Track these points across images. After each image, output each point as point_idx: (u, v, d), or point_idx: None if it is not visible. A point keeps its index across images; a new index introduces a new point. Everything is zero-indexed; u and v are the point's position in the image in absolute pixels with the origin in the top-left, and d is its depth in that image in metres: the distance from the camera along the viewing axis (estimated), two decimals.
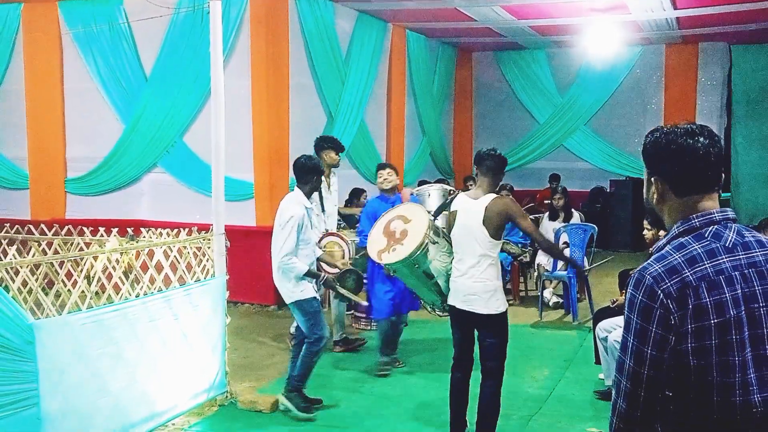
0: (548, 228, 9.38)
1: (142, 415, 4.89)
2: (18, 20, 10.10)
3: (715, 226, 1.97)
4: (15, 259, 4.76)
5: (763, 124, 13.82)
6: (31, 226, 6.59)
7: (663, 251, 1.98)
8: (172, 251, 5.53)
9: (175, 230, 6.00)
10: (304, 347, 5.67)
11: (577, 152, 14.90)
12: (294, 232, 5.44)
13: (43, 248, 6.05)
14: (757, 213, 12.54)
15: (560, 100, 14.89)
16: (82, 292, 4.94)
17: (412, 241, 5.04)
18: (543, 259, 9.06)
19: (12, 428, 3.96)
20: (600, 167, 14.60)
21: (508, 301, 5.55)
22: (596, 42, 12.28)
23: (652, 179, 2.07)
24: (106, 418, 4.57)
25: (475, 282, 4.77)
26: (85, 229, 6.50)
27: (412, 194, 7.00)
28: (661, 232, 5.50)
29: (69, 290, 4.81)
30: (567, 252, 8.71)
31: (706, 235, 1.96)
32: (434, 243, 5.05)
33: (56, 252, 5.89)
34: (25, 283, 5.23)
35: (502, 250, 5.08)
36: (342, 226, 8.26)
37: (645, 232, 6.11)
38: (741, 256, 1.95)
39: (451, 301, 4.95)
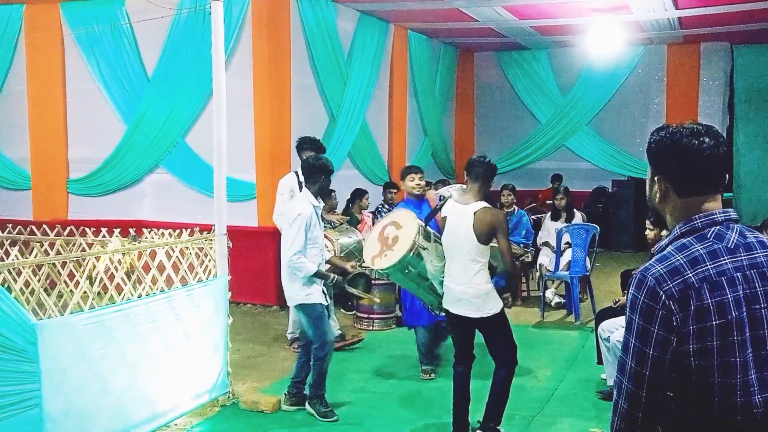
0: (550, 228, 9.38)
1: (144, 415, 4.89)
2: (20, 21, 10.10)
3: (718, 227, 1.97)
4: (17, 259, 4.76)
5: (766, 123, 13.79)
6: (34, 227, 6.60)
7: (665, 252, 1.97)
8: (174, 252, 5.54)
9: (177, 231, 6.01)
10: (312, 354, 5.61)
11: (579, 152, 14.88)
12: (302, 230, 5.38)
13: (46, 249, 6.06)
14: (759, 213, 12.53)
15: (562, 100, 14.87)
16: (85, 292, 4.95)
17: (401, 247, 5.13)
18: (545, 259, 9.07)
19: (14, 429, 3.97)
20: (602, 167, 14.58)
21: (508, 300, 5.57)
22: (598, 42, 12.26)
23: (656, 178, 2.06)
24: (108, 419, 4.58)
25: (467, 287, 4.88)
26: (87, 229, 6.50)
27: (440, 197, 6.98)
28: (664, 232, 5.49)
29: (71, 291, 4.82)
30: (569, 251, 8.74)
31: (708, 236, 1.96)
32: (424, 249, 5.13)
33: (58, 253, 5.90)
34: (27, 284, 5.24)
35: None
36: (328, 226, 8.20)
37: (647, 232, 6.11)
38: (743, 257, 1.94)
39: (445, 305, 5.08)
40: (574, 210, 9.55)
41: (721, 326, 1.88)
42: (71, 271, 5.66)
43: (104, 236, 6.14)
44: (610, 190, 13.99)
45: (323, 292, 5.63)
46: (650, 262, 1.97)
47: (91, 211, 9.80)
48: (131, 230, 6.22)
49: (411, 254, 5.07)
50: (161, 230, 6.15)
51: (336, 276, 5.72)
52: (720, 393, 1.88)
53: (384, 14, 11.12)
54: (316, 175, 5.62)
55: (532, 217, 10.54)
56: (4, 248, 6.52)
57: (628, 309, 1.97)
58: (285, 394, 5.83)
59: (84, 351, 4.38)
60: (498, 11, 10.98)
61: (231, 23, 8.62)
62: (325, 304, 5.67)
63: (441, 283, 5.12)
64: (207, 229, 5.96)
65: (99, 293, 5.11)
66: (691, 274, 1.89)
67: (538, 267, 9.19)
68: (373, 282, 6.44)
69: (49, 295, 4.75)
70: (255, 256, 8.61)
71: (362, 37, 10.85)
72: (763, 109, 13.78)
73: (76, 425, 4.31)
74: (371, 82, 11.00)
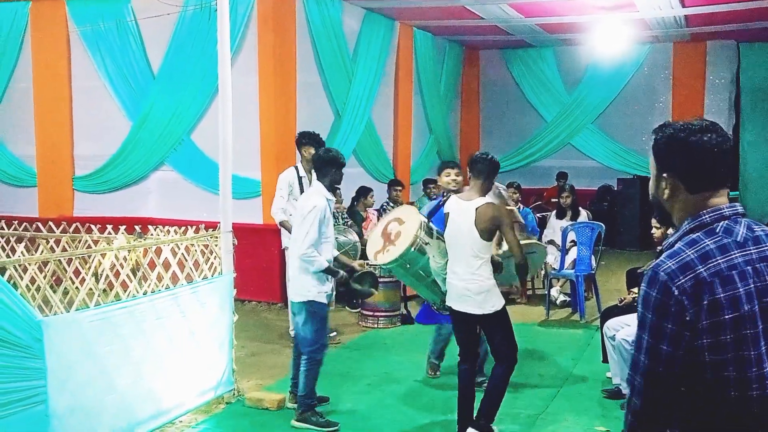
0: (555, 226, 9.36)
1: (149, 412, 4.90)
2: (26, 19, 10.12)
3: (726, 222, 1.97)
4: (23, 256, 4.78)
5: None
6: (39, 224, 6.62)
7: (675, 248, 1.97)
8: (179, 249, 5.54)
9: (183, 228, 6.01)
10: (305, 357, 5.40)
11: (585, 150, 14.86)
12: (316, 222, 5.20)
13: (51, 246, 6.07)
14: (765, 211, 12.50)
15: (568, 98, 14.84)
16: (90, 289, 4.96)
17: (403, 242, 5.14)
18: (550, 257, 9.05)
19: (20, 425, 3.97)
20: (607, 165, 14.56)
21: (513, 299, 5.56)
22: (604, 40, 12.24)
23: (663, 175, 2.05)
24: (113, 416, 4.58)
25: (469, 283, 4.87)
26: (92, 226, 6.51)
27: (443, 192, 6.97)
28: (670, 230, 5.47)
29: (77, 288, 4.83)
30: (574, 250, 8.72)
31: (717, 231, 1.96)
32: (426, 244, 5.14)
33: (64, 249, 5.91)
34: (33, 281, 5.25)
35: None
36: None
37: (653, 230, 6.09)
38: (752, 251, 1.95)
39: (448, 302, 5.08)
40: (580, 208, 9.53)
41: (735, 320, 1.88)
42: (77, 268, 5.66)
43: (110, 233, 6.14)
44: (615, 189, 13.97)
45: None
46: (661, 258, 1.97)
47: (97, 208, 9.81)
48: (137, 227, 6.24)
49: (413, 249, 5.08)
50: (167, 227, 6.15)
51: (344, 273, 5.63)
52: (736, 387, 1.88)
53: (389, 12, 11.11)
54: (327, 167, 5.43)
55: (538, 215, 10.53)
56: (10, 245, 6.54)
57: (640, 306, 1.97)
58: (289, 393, 5.82)
59: (89, 348, 4.38)
60: (504, 9, 10.96)
61: (236, 20, 8.61)
62: (326, 301, 5.55)
63: (444, 280, 5.11)
64: (212, 226, 5.96)
65: (104, 290, 5.12)
66: (702, 269, 1.89)
67: (543, 265, 9.17)
68: (379, 281, 6.43)
69: (54, 291, 4.76)
70: (260, 254, 8.61)
71: (368, 34, 10.84)
72: None
73: (82, 422, 4.32)
74: (376, 80, 10.99)
